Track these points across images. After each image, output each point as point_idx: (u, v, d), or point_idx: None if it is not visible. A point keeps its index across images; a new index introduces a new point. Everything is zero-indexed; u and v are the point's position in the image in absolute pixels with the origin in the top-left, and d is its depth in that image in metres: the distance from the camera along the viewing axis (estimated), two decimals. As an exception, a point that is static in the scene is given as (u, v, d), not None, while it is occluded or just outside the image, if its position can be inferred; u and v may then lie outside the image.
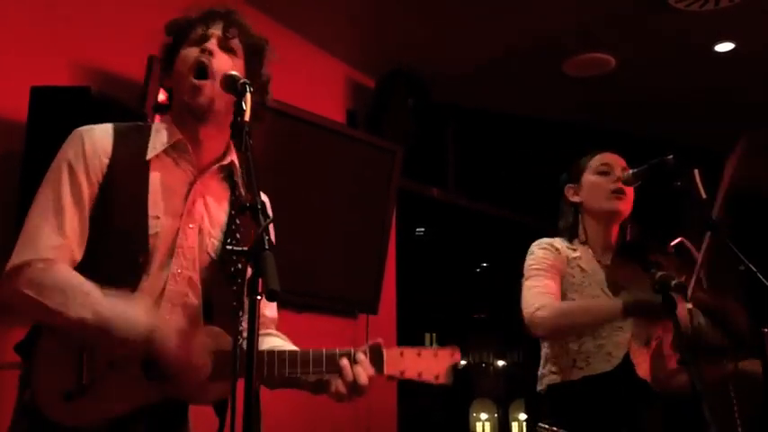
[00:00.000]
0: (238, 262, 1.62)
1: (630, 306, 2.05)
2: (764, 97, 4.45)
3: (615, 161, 2.35)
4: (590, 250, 2.35)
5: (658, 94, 4.56)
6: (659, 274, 1.79)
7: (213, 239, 1.63)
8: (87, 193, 1.55)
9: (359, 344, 4.10)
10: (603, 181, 2.32)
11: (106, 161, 1.56)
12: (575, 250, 2.35)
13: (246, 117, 1.38)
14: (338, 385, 1.54)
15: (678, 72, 4.31)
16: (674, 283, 1.77)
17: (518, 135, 5.01)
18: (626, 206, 2.32)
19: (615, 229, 2.37)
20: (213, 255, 1.63)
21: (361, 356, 1.56)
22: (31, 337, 1.52)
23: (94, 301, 1.44)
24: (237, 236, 1.64)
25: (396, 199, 4.00)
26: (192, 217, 1.61)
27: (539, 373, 2.35)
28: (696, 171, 1.88)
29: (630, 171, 2.16)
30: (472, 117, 4.89)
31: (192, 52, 1.63)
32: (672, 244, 2.15)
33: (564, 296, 2.28)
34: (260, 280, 1.17)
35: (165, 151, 1.62)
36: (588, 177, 2.37)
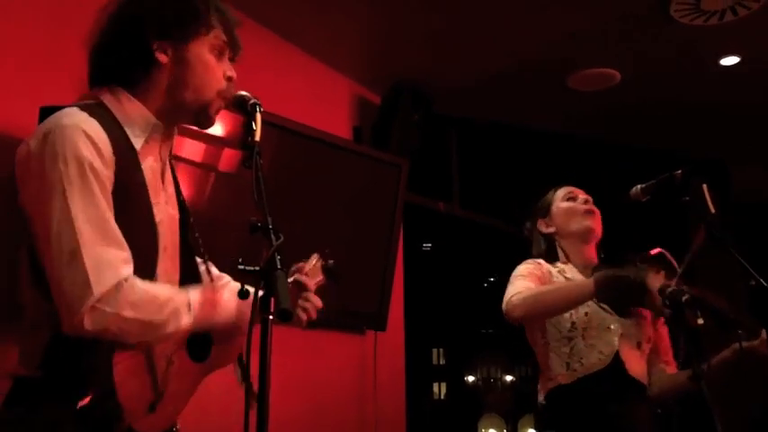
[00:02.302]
0: (192, 230, 1.66)
1: (601, 280, 2.10)
2: (770, 110, 4.46)
3: (577, 190, 2.54)
4: (574, 268, 2.44)
5: (663, 107, 4.57)
6: (669, 288, 1.79)
7: (175, 209, 1.63)
8: (110, 189, 1.40)
9: (367, 361, 4.10)
10: (572, 205, 2.49)
11: (111, 152, 1.41)
12: (557, 267, 2.44)
13: (257, 137, 1.40)
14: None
15: (683, 86, 4.31)
16: (684, 297, 1.77)
17: (524, 149, 5.02)
18: (598, 225, 2.46)
19: (590, 250, 2.47)
20: (177, 225, 1.63)
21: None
22: (53, 348, 1.37)
23: (193, 304, 1.44)
24: (185, 203, 1.66)
25: (402, 213, 4.00)
26: (166, 194, 1.58)
27: (538, 387, 2.40)
28: (704, 186, 1.88)
29: (639, 186, 2.18)
30: (477, 131, 4.91)
31: (218, 69, 1.56)
32: (652, 253, 2.16)
33: None
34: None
35: None
36: (558, 206, 2.52)
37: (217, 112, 1.58)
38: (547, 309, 2.24)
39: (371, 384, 3.86)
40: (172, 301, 1.40)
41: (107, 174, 1.38)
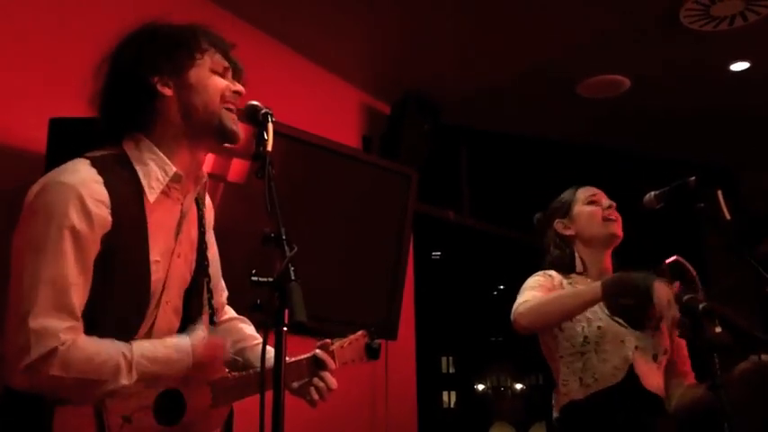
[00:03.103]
0: (207, 276, 1.68)
1: (609, 283, 2.03)
2: (781, 115, 4.44)
3: (600, 193, 2.45)
4: (588, 279, 2.37)
5: (673, 114, 4.54)
6: (686, 297, 1.77)
7: (191, 262, 1.65)
8: (93, 254, 1.44)
9: (378, 370, 4.07)
10: (596, 209, 2.39)
11: (108, 213, 1.44)
12: (570, 279, 2.37)
13: (269, 147, 1.39)
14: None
15: (693, 92, 4.29)
16: (701, 306, 1.74)
17: (533, 157, 5.00)
18: (620, 231, 2.37)
19: (608, 255, 2.41)
20: (190, 276, 1.64)
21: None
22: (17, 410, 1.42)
23: (135, 360, 1.44)
24: (207, 254, 1.68)
25: (412, 223, 3.99)
26: (181, 247, 1.60)
27: (552, 402, 2.35)
28: (719, 192, 1.86)
29: (652, 193, 2.15)
30: (486, 140, 4.89)
31: (219, 82, 1.60)
32: (667, 262, 2.12)
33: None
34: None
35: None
36: (580, 209, 2.42)
37: (234, 123, 1.60)
38: (554, 315, 2.17)
39: (383, 393, 3.85)
40: (110, 361, 1.41)
41: (93, 239, 1.41)
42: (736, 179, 5.19)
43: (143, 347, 1.47)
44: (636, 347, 2.22)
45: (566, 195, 2.49)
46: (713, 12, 3.46)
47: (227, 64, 1.62)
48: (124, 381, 1.42)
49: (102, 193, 1.44)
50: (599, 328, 2.22)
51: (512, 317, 2.20)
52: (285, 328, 1.16)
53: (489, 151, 4.97)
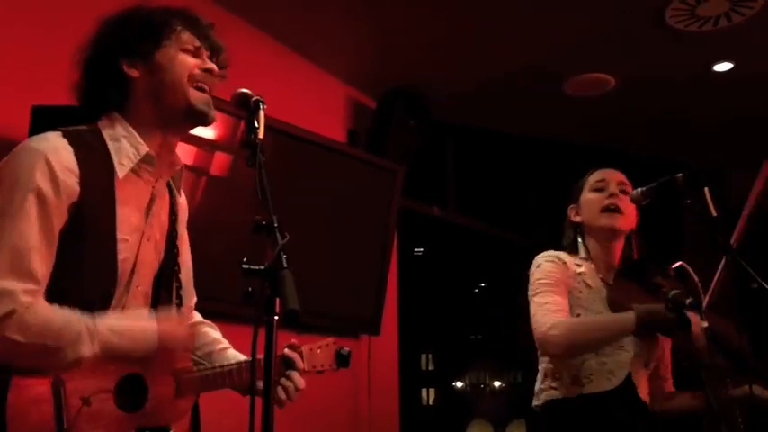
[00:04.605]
0: (176, 267, 1.65)
1: (643, 316, 2.01)
2: (763, 116, 4.47)
3: (611, 176, 2.32)
4: (594, 267, 2.30)
5: (658, 113, 4.58)
6: (673, 292, 1.78)
7: (161, 249, 1.63)
8: (58, 223, 1.42)
9: (361, 365, 4.06)
10: (597, 198, 2.29)
11: (76, 183, 1.44)
12: (579, 266, 2.29)
13: (260, 134, 1.38)
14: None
15: (677, 91, 4.33)
16: (688, 301, 1.75)
17: (519, 155, 5.01)
18: (622, 222, 2.27)
19: (617, 247, 2.32)
20: (158, 262, 1.63)
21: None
22: None
23: (98, 331, 1.41)
24: (177, 243, 1.67)
25: (397, 219, 3.98)
26: (151, 230, 1.59)
27: (536, 387, 2.30)
28: (707, 189, 1.86)
29: (639, 189, 2.13)
30: (473, 137, 4.89)
31: (188, 60, 1.57)
32: (672, 267, 2.12)
33: (570, 311, 2.21)
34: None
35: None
36: (585, 195, 2.34)
37: (204, 103, 1.57)
38: (586, 347, 2.15)
39: (365, 388, 3.84)
40: (71, 328, 1.39)
41: (59, 206, 1.41)
42: (723, 178, 5.23)
43: (108, 319, 1.44)
44: (634, 354, 2.18)
45: (583, 178, 2.40)
46: (699, 12, 3.49)
47: (198, 43, 1.59)
48: (85, 350, 1.39)
49: (72, 161, 1.44)
50: None
51: (540, 338, 2.13)
52: (276, 318, 1.14)
53: (476, 148, 4.97)
